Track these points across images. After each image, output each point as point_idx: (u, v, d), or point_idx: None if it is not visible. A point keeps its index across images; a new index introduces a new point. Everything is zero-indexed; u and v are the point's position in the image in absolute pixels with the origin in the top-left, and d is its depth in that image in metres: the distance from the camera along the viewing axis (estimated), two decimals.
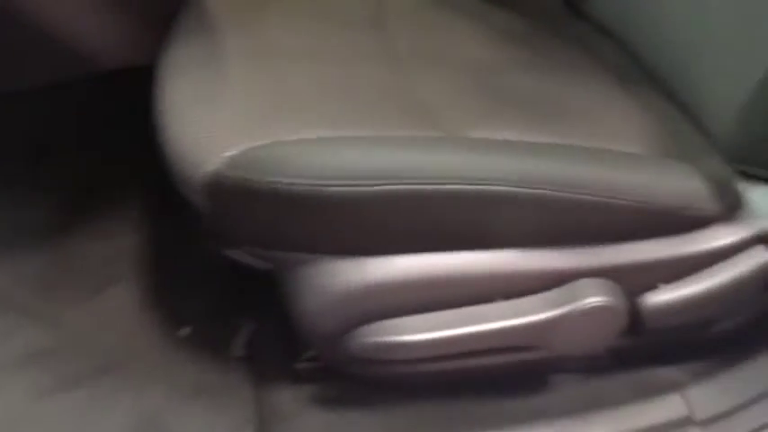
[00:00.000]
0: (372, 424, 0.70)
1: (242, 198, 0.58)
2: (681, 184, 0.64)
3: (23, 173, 0.90)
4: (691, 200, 0.64)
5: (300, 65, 0.68)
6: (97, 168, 0.93)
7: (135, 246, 0.86)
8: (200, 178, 0.58)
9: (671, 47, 0.73)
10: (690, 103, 0.71)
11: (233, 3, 0.76)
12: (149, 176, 0.69)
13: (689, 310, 0.66)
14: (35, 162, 0.92)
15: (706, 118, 0.69)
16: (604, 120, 0.70)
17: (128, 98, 0.77)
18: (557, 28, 0.84)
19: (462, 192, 0.58)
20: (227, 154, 0.57)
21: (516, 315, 0.63)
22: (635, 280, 0.65)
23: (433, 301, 0.62)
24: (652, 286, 0.65)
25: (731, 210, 0.66)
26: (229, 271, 0.75)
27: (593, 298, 0.62)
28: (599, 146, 0.65)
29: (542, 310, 0.62)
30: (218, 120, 0.61)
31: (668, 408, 0.71)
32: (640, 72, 0.77)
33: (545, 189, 0.59)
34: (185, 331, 0.78)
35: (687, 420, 0.70)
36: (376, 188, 0.57)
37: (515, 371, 0.71)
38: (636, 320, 0.66)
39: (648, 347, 0.72)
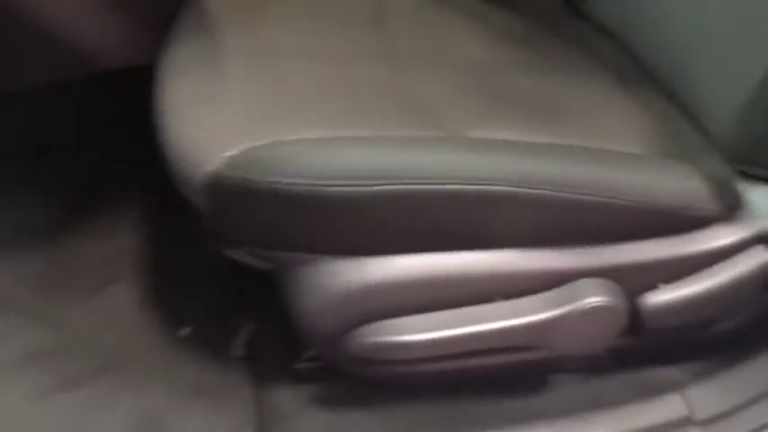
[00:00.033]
0: (372, 424, 0.69)
1: (242, 198, 0.58)
2: (681, 184, 0.64)
3: (23, 173, 0.90)
4: (691, 200, 0.64)
5: (300, 64, 0.68)
6: (97, 168, 0.93)
7: (135, 245, 0.86)
8: (200, 178, 0.58)
9: (670, 47, 0.73)
10: (689, 103, 0.71)
11: (233, 2, 0.76)
12: (149, 176, 0.69)
13: (689, 310, 0.66)
14: (35, 162, 0.92)
15: (706, 118, 0.69)
16: (604, 120, 0.70)
17: (128, 98, 0.77)
18: (557, 28, 0.84)
19: (462, 192, 0.58)
20: (227, 154, 0.57)
21: (516, 315, 0.63)
22: (635, 280, 0.65)
23: (433, 301, 0.62)
24: (652, 286, 0.65)
25: (731, 210, 0.66)
26: (229, 271, 0.75)
27: (593, 298, 0.62)
28: (599, 146, 0.65)
29: (542, 310, 0.62)
30: (218, 120, 0.61)
31: (668, 408, 0.70)
32: (640, 72, 0.76)
33: (545, 189, 0.59)
34: (185, 331, 0.78)
35: (687, 420, 0.69)
36: (376, 188, 0.57)
37: (515, 371, 0.71)
38: (636, 320, 0.66)
39: (648, 347, 0.72)
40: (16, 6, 0.83)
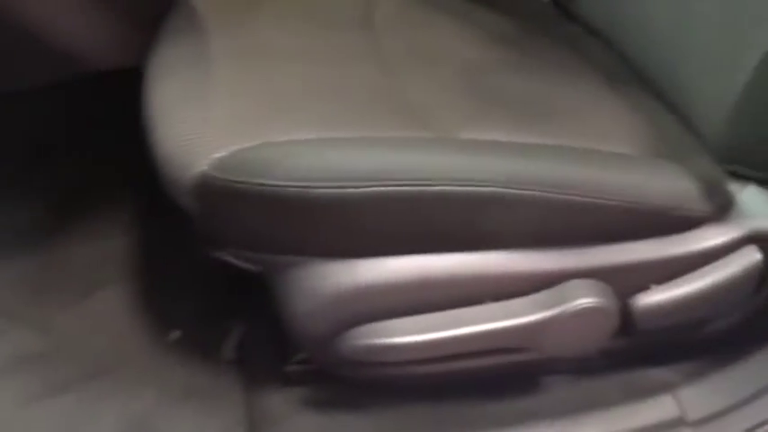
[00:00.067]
0: (363, 426, 0.69)
1: (229, 200, 0.58)
2: (671, 184, 0.64)
3: (10, 174, 0.90)
4: (681, 200, 0.64)
5: (290, 65, 0.68)
6: (86, 170, 0.93)
7: (124, 248, 0.86)
8: (188, 180, 0.57)
9: (658, 47, 0.73)
10: (679, 103, 0.71)
11: (222, 3, 0.76)
12: (139, 178, 0.69)
13: (680, 311, 0.66)
14: (22, 164, 0.92)
15: (695, 118, 0.69)
16: (594, 120, 0.70)
17: (117, 100, 0.76)
18: (545, 28, 0.84)
19: (451, 193, 0.58)
20: (216, 155, 0.57)
21: (506, 317, 0.62)
22: (626, 281, 0.64)
23: (423, 303, 0.62)
24: (643, 287, 0.65)
25: (722, 210, 0.65)
26: (219, 274, 0.75)
27: (584, 299, 0.62)
28: (588, 146, 0.65)
29: (532, 312, 0.62)
30: (207, 121, 0.61)
31: (660, 408, 0.70)
32: (629, 72, 0.76)
33: (534, 190, 0.59)
34: (175, 335, 0.78)
35: (679, 421, 0.69)
36: (363, 190, 0.57)
37: (506, 372, 0.70)
38: (627, 321, 0.66)
39: (640, 348, 0.72)
40: (3, 7, 0.82)
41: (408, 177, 0.57)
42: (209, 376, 0.74)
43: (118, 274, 0.83)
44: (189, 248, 0.72)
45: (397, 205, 0.58)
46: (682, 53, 0.70)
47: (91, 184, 0.91)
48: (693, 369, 0.73)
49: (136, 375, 0.73)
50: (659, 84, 0.73)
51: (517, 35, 0.81)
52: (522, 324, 0.62)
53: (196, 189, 0.58)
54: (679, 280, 0.65)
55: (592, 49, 0.80)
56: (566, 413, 0.70)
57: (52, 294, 0.80)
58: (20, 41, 0.86)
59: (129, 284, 0.82)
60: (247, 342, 0.77)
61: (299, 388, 0.71)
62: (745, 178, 0.67)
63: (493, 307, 0.63)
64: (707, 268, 0.65)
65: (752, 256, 0.65)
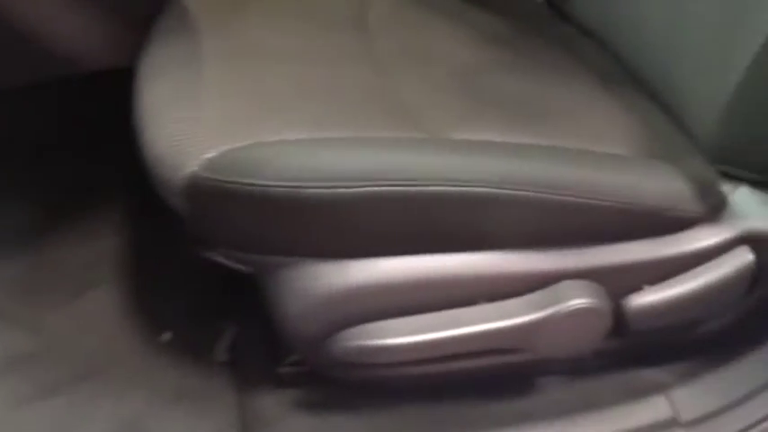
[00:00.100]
0: (356, 428, 0.69)
1: (220, 200, 0.57)
2: (664, 185, 0.64)
3: (2, 175, 0.89)
4: (674, 201, 0.64)
5: (282, 66, 0.68)
6: (77, 170, 0.92)
7: (116, 248, 0.85)
8: (179, 180, 0.57)
9: (652, 48, 0.73)
10: (672, 103, 0.71)
11: (214, 3, 0.76)
12: (130, 178, 0.68)
13: (673, 312, 0.66)
14: (14, 163, 0.91)
15: (688, 119, 0.69)
16: (587, 121, 0.70)
17: (110, 100, 0.76)
18: (540, 29, 0.84)
19: (444, 193, 0.58)
20: (206, 156, 0.57)
21: (500, 318, 0.62)
22: (619, 281, 0.64)
23: (416, 303, 0.62)
24: (636, 288, 0.65)
25: (715, 211, 0.66)
26: (212, 274, 0.74)
27: (577, 300, 0.62)
28: (582, 147, 0.65)
29: (526, 313, 0.62)
30: (198, 121, 0.61)
31: (653, 409, 0.70)
32: (623, 73, 0.76)
33: (528, 190, 0.59)
34: (167, 336, 0.77)
35: (672, 422, 0.69)
36: (355, 190, 0.56)
37: (500, 373, 0.70)
38: (620, 322, 0.66)
39: (633, 349, 0.72)
40: None
41: (401, 178, 0.57)
42: (202, 377, 0.73)
43: (109, 274, 0.82)
44: (180, 249, 0.72)
45: (389, 206, 0.58)
46: (675, 54, 0.70)
47: (82, 185, 0.91)
48: (686, 370, 0.73)
49: (127, 376, 0.73)
50: (653, 84, 0.73)
51: (511, 35, 0.81)
52: (515, 325, 0.62)
53: (187, 190, 0.57)
54: (672, 281, 0.65)
55: (586, 49, 0.80)
56: (559, 414, 0.70)
57: (43, 294, 0.80)
58: (12, 41, 0.86)
59: (121, 285, 0.82)
60: (240, 343, 0.77)
61: (291, 389, 0.71)
62: (737, 179, 0.67)
63: (486, 308, 0.62)
64: (699, 269, 0.65)
65: (744, 256, 0.65)
